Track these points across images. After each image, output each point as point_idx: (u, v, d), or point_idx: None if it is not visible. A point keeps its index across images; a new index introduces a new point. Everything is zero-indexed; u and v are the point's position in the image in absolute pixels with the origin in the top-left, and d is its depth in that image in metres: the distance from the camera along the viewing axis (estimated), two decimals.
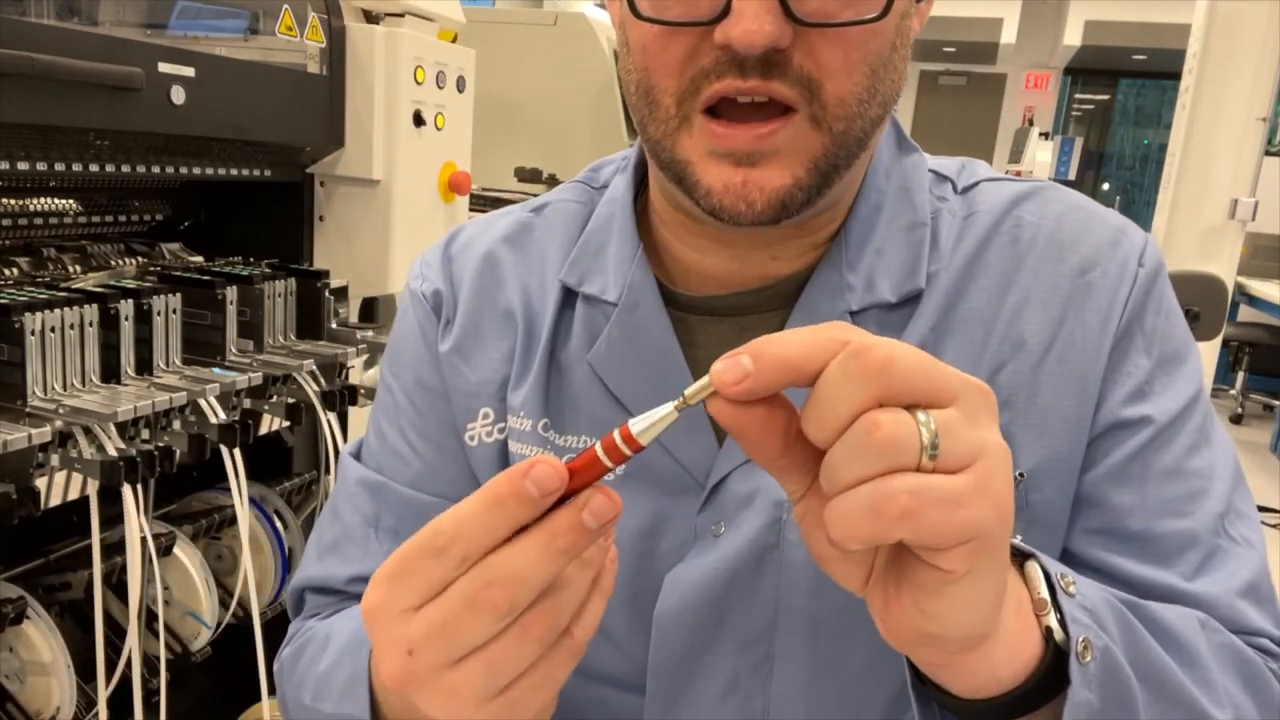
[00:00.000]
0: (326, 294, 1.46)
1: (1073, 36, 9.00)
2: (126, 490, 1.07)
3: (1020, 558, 0.49)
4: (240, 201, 1.64)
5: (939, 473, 0.36)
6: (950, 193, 0.66)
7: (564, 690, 0.62)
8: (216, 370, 1.26)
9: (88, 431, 1.08)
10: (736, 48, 0.51)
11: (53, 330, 1.08)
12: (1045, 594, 0.46)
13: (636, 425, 0.40)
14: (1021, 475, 0.59)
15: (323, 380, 1.41)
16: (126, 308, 1.17)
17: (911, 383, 0.36)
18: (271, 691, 1.34)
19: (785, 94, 0.53)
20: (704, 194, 0.55)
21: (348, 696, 0.56)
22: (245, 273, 1.38)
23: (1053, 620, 0.45)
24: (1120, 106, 11.19)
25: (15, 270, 1.30)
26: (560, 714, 0.63)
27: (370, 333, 1.50)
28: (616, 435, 0.40)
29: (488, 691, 0.40)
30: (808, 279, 0.62)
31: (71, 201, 1.40)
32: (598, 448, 0.40)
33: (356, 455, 0.73)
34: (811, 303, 0.62)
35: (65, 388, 1.11)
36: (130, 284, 1.26)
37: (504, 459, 0.67)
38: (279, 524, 1.51)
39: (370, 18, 1.63)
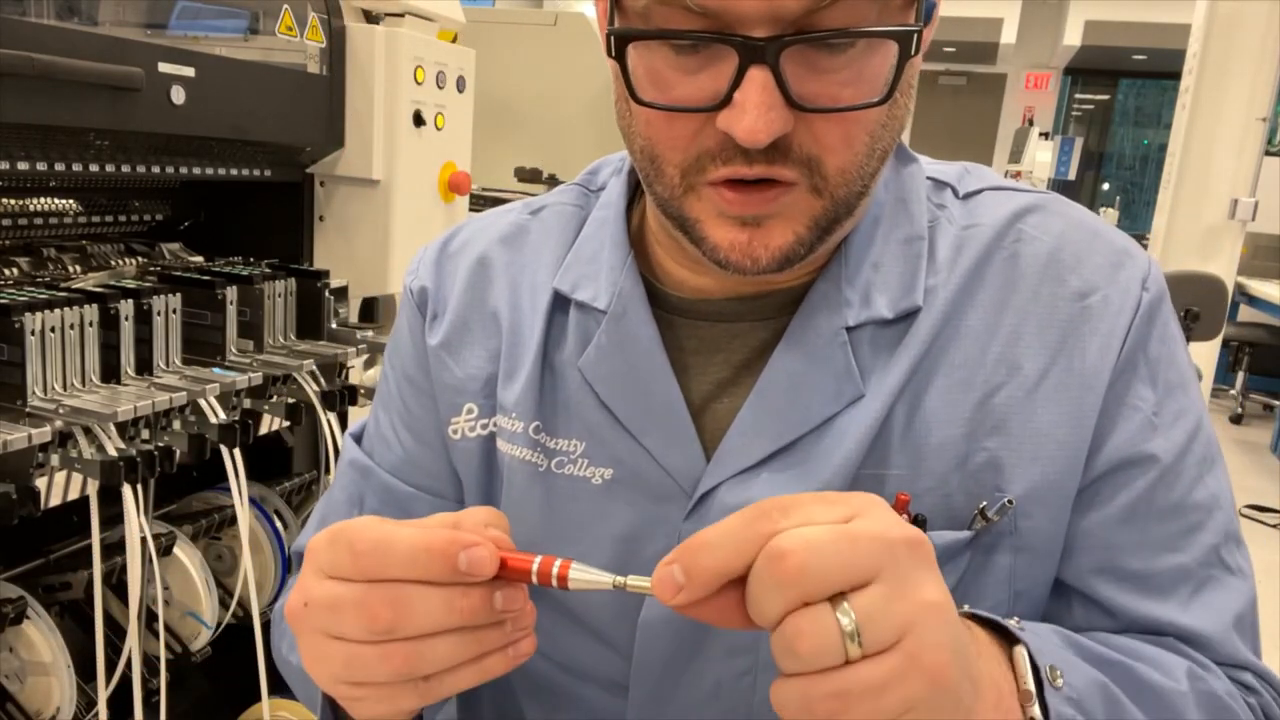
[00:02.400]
0: (326, 294, 1.46)
1: (1073, 36, 9.00)
2: (126, 490, 1.07)
3: (1009, 642, 0.50)
4: (240, 201, 1.64)
5: (866, 659, 0.38)
6: (950, 199, 0.65)
7: (550, 686, 0.67)
8: (216, 370, 1.26)
9: (88, 431, 1.08)
10: (741, 142, 0.51)
11: (53, 330, 1.08)
12: (1031, 686, 0.47)
13: (575, 572, 0.44)
14: (1010, 501, 0.59)
15: (323, 380, 1.41)
16: (126, 308, 1.17)
17: (830, 578, 0.39)
18: (271, 692, 1.34)
19: (787, 175, 0.54)
20: (711, 249, 0.57)
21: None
22: (245, 273, 1.38)
23: (1036, 712, 0.47)
24: (1120, 106, 11.19)
25: (15, 270, 1.30)
26: (545, 709, 0.68)
27: (370, 333, 1.50)
28: (556, 567, 0.44)
29: (339, 677, 0.46)
30: (803, 292, 0.62)
31: (71, 201, 1.40)
32: (535, 563, 0.44)
33: (357, 436, 0.77)
34: (808, 317, 0.61)
35: (65, 388, 1.11)
36: (130, 284, 1.26)
37: (488, 454, 0.68)
38: (279, 524, 1.51)
39: (370, 18, 1.63)
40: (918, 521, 0.58)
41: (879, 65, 0.52)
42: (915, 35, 0.52)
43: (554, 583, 0.44)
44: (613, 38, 0.53)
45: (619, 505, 0.63)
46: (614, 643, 0.63)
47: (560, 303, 0.67)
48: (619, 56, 0.54)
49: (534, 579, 0.44)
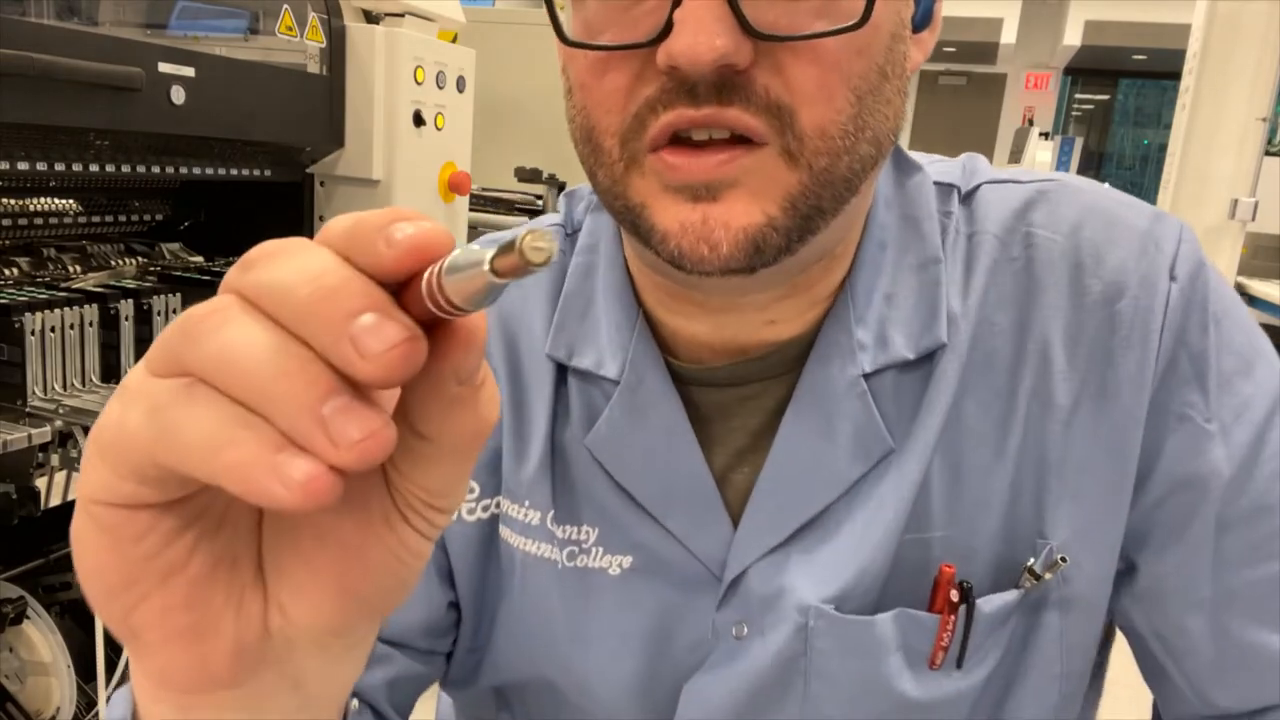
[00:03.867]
0: None
1: (1073, 36, 9.00)
2: None
3: None
4: (240, 201, 1.64)
5: None
6: (955, 203, 0.56)
7: None
8: None
9: (88, 431, 1.08)
10: (682, 65, 0.41)
11: (53, 330, 1.08)
12: None
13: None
14: (1064, 559, 0.52)
15: None
16: (126, 308, 1.17)
17: None
18: None
19: (749, 123, 0.42)
20: (660, 239, 0.45)
21: None
22: None
23: None
24: (1120, 106, 11.18)
25: (15, 270, 1.30)
26: None
27: None
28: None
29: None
30: (812, 342, 0.53)
31: (71, 201, 1.40)
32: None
33: None
34: (819, 369, 0.53)
35: (65, 388, 1.11)
36: (130, 284, 1.26)
37: (488, 540, 0.59)
38: None
39: (370, 18, 1.63)
40: (965, 590, 0.52)
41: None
42: None
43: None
44: None
45: (642, 596, 0.55)
46: None
47: (558, 371, 0.57)
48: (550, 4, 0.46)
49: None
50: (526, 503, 0.57)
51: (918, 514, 0.53)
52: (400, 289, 0.24)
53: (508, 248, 0.22)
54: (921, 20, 0.50)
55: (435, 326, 0.25)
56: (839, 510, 0.53)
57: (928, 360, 0.53)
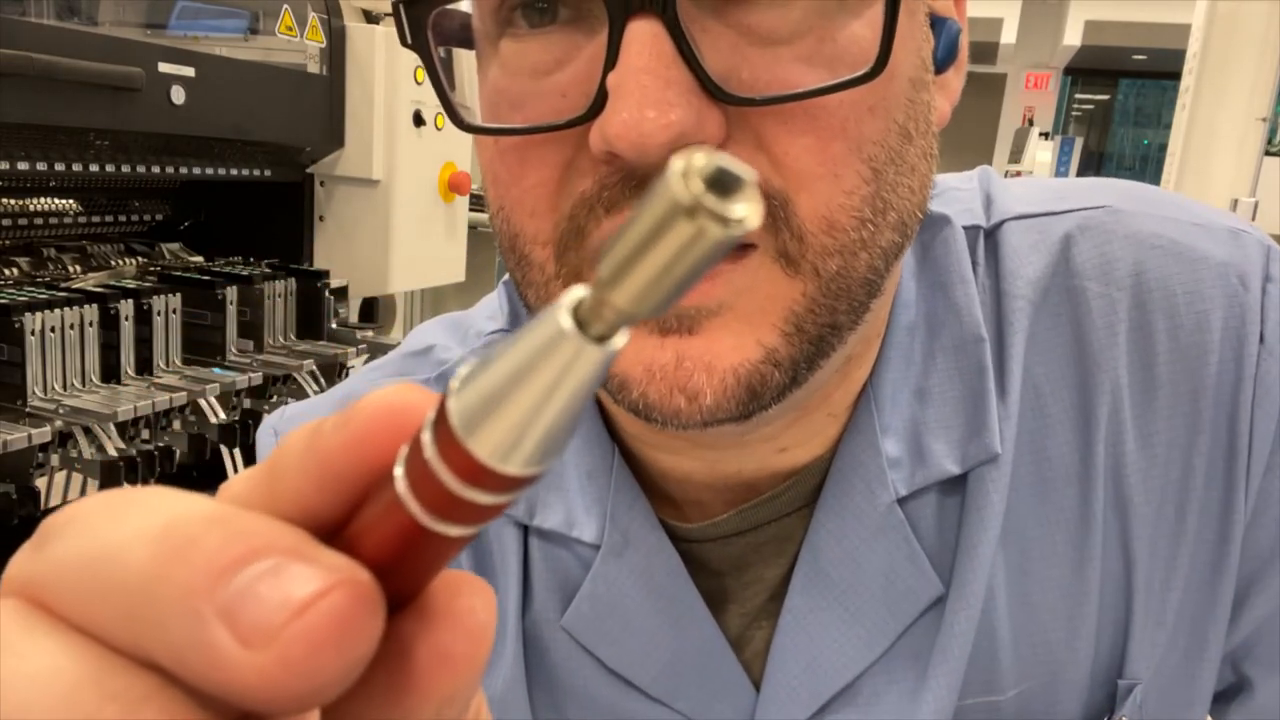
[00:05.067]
0: (326, 294, 1.46)
1: (1073, 36, 9.00)
2: None
3: None
4: (240, 201, 1.64)
5: None
6: (981, 251, 0.43)
7: None
8: (216, 370, 1.26)
9: (88, 431, 1.08)
10: (622, 151, 0.29)
11: (53, 330, 1.08)
12: None
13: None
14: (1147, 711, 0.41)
15: (323, 380, 1.41)
16: (126, 308, 1.17)
17: None
18: None
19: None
20: (619, 387, 0.33)
21: None
22: (245, 273, 1.39)
23: None
24: (1120, 106, 11.18)
25: (15, 270, 1.30)
26: None
27: (370, 333, 1.50)
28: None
29: None
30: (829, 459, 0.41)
31: (71, 201, 1.40)
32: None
33: None
34: (840, 501, 0.40)
35: (65, 388, 1.11)
36: (130, 284, 1.26)
37: None
38: None
39: (370, 18, 1.64)
40: None
41: (857, 31, 0.31)
42: None
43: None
44: (406, 20, 0.36)
45: None
46: None
47: (524, 533, 0.44)
48: (417, 38, 0.35)
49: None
50: (502, 692, 0.44)
51: (983, 674, 0.41)
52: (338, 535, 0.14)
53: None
54: (944, 57, 0.37)
55: (397, 602, 0.14)
56: (879, 675, 0.41)
57: (989, 469, 0.40)
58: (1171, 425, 0.40)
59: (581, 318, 0.12)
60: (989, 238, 0.43)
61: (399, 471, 0.13)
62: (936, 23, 0.36)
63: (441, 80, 0.34)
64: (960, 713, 0.41)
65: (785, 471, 0.41)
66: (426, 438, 0.13)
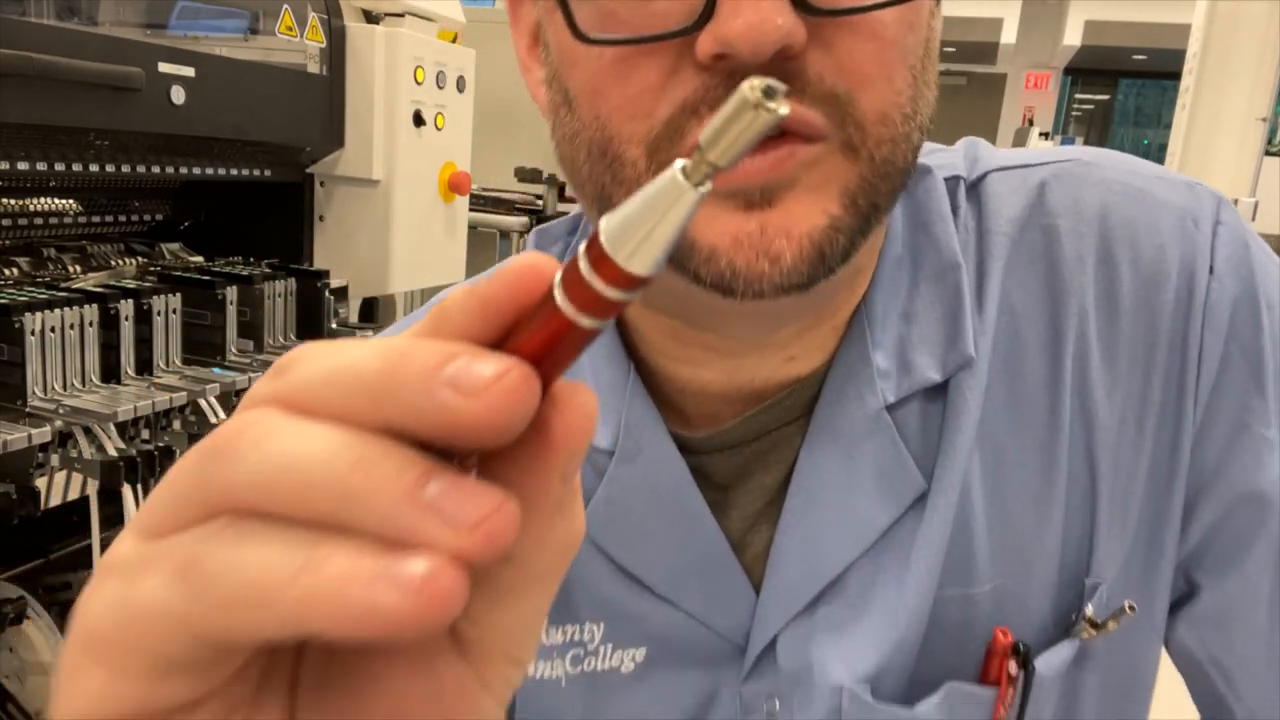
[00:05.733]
0: (326, 294, 1.46)
1: (1073, 36, 9.00)
2: (126, 490, 1.07)
3: None
4: (240, 201, 1.64)
5: None
6: (962, 198, 0.49)
7: None
8: (216, 370, 1.26)
9: (88, 431, 1.08)
10: (740, 51, 0.34)
11: (53, 330, 1.08)
12: None
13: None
14: (1132, 608, 0.46)
15: None
16: (126, 308, 1.17)
17: None
18: None
19: (808, 116, 0.36)
20: (706, 259, 0.38)
21: None
22: (245, 273, 1.38)
23: None
24: (1120, 106, 11.18)
25: (15, 270, 1.30)
26: None
27: (370, 333, 1.50)
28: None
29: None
30: (824, 373, 0.46)
31: (71, 201, 1.40)
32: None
33: None
34: (835, 406, 0.46)
35: (65, 388, 1.11)
36: (130, 284, 1.26)
37: None
38: None
39: (370, 18, 1.63)
40: (1024, 656, 0.45)
41: None
42: None
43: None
44: None
45: (663, 689, 0.49)
46: None
47: None
48: None
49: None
50: None
51: (960, 566, 0.46)
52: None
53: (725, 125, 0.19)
54: None
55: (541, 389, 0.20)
56: (866, 566, 0.46)
57: (965, 378, 0.46)
58: (1132, 346, 0.46)
59: (686, 172, 0.19)
60: (974, 187, 0.49)
61: (557, 281, 0.20)
62: None
63: (569, 6, 0.38)
64: (939, 604, 0.45)
65: (789, 381, 0.46)
66: (581, 253, 0.20)
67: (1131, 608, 0.46)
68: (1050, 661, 0.46)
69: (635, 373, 0.48)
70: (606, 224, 0.19)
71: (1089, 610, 0.46)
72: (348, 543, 0.18)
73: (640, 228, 0.19)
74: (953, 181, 0.49)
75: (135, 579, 0.19)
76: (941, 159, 0.50)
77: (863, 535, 0.46)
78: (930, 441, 0.46)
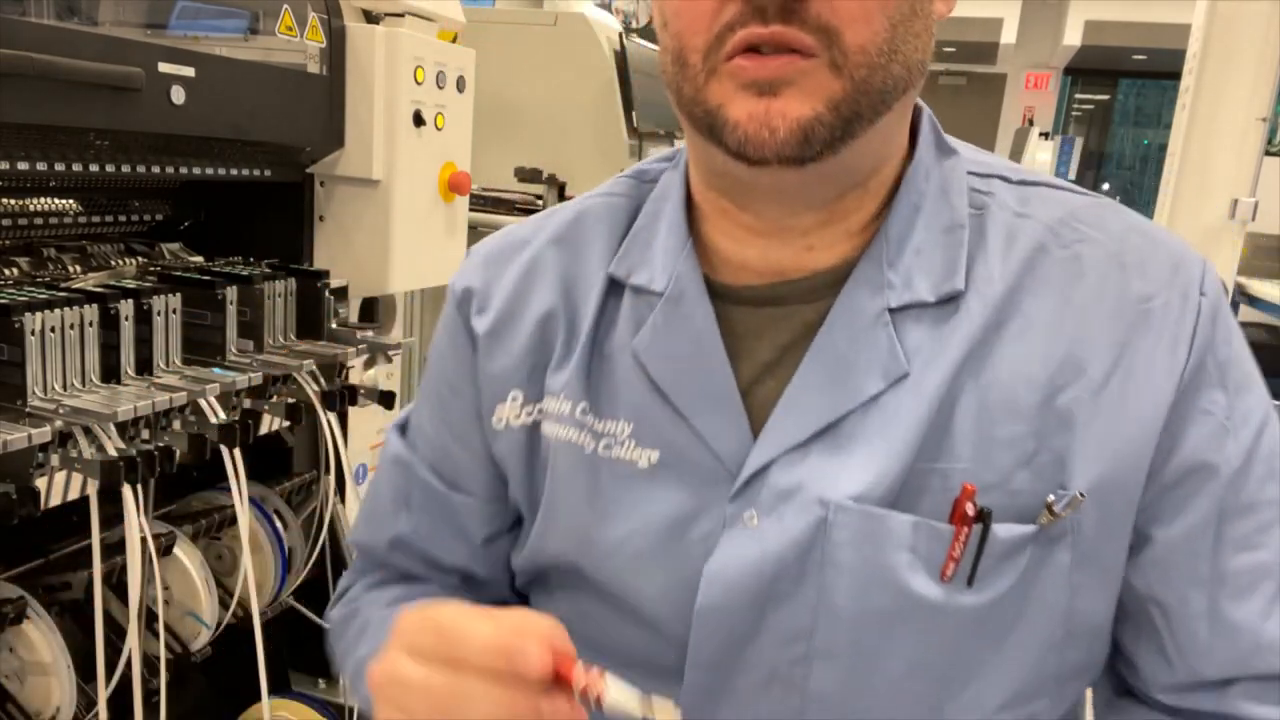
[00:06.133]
0: (326, 294, 1.46)
1: (1073, 36, 9.00)
2: (126, 490, 1.07)
3: None
4: (240, 201, 1.64)
5: None
6: (999, 185, 0.65)
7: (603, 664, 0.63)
8: (216, 370, 1.26)
9: (88, 431, 1.08)
10: None
11: (53, 330, 1.08)
12: None
13: (611, 691, 0.49)
14: (1081, 495, 0.58)
15: (323, 380, 1.41)
16: (126, 308, 1.17)
17: None
18: (271, 692, 1.34)
19: (804, 40, 0.54)
20: (731, 129, 0.56)
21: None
22: (245, 273, 1.38)
23: None
24: (1120, 106, 11.18)
25: (15, 270, 1.30)
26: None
27: (370, 333, 1.50)
28: (596, 685, 0.49)
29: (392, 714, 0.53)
30: (845, 273, 0.62)
31: (71, 201, 1.40)
32: (578, 672, 0.49)
33: (402, 426, 0.80)
34: (852, 297, 0.62)
35: (65, 388, 1.11)
36: (130, 284, 1.26)
37: (533, 444, 0.69)
38: (279, 524, 1.51)
39: (370, 18, 1.63)
40: (983, 515, 0.58)
41: None
42: None
43: (592, 697, 0.49)
44: None
45: (666, 488, 0.63)
46: (668, 632, 0.63)
47: (614, 289, 0.68)
48: None
49: (576, 689, 0.49)
50: (561, 395, 0.67)
51: (941, 444, 0.59)
52: None
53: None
54: None
55: None
56: (854, 422, 0.60)
57: (947, 305, 0.61)
58: (1129, 330, 0.60)
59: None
60: (1024, 185, 0.66)
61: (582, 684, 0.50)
62: None
63: None
64: (921, 474, 0.59)
65: (810, 269, 0.63)
66: (587, 693, 0.50)
67: (1082, 495, 0.58)
68: (1009, 529, 0.58)
69: (692, 243, 0.66)
70: (611, 689, 0.48)
71: (1050, 498, 0.58)
72: None
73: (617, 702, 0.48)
74: (986, 175, 0.66)
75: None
76: (981, 158, 0.68)
77: (854, 397, 0.60)
78: (922, 344, 0.60)
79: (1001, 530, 0.58)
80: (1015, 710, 0.62)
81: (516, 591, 0.78)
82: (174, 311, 1.25)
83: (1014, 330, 0.60)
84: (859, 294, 0.62)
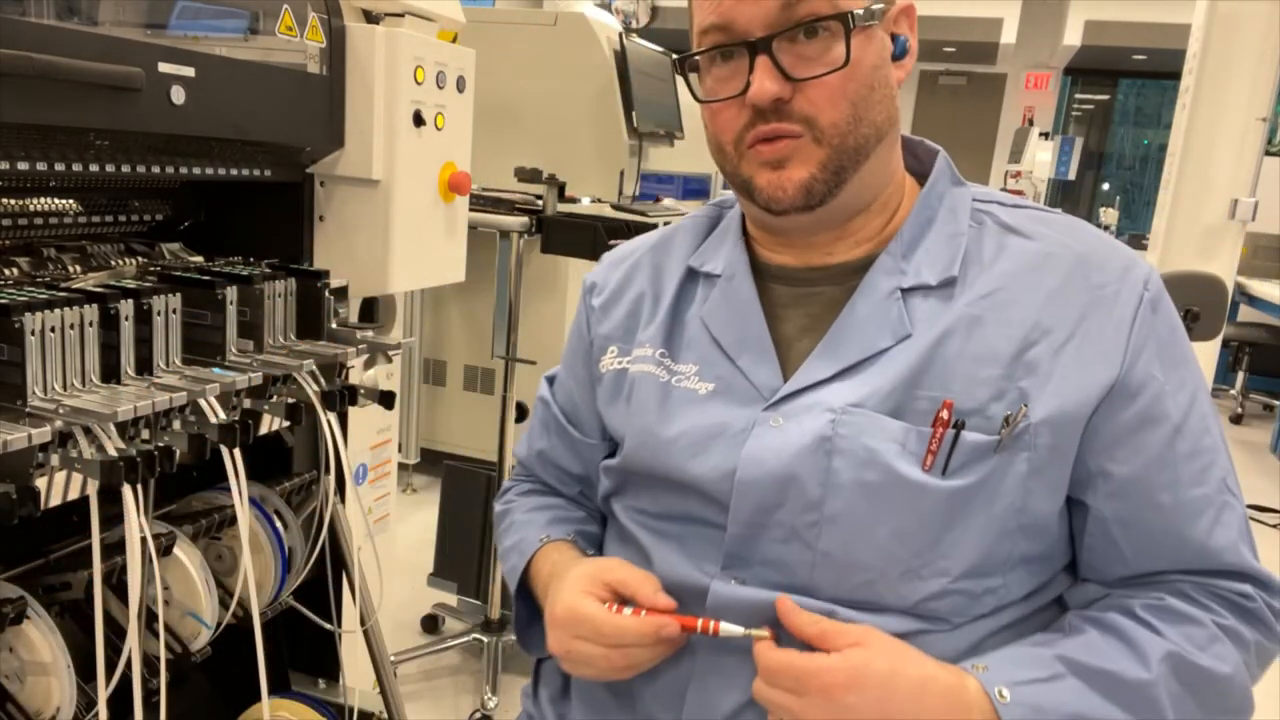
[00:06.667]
0: (326, 294, 1.46)
1: (1073, 36, 8.99)
2: (126, 490, 1.07)
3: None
4: (240, 201, 1.64)
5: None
6: (996, 208, 0.90)
7: (664, 530, 0.93)
8: (216, 370, 1.26)
9: (88, 431, 1.08)
10: (759, 102, 0.82)
11: (53, 330, 1.08)
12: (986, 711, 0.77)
13: (723, 626, 0.83)
14: (1025, 407, 0.81)
15: (323, 380, 1.41)
16: (126, 308, 1.17)
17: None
18: (271, 691, 1.34)
19: (793, 128, 0.83)
20: (759, 192, 0.86)
21: (511, 576, 1.05)
22: (245, 273, 1.38)
23: None
24: (1120, 106, 11.18)
25: (15, 270, 1.30)
26: (664, 544, 0.93)
27: (370, 333, 1.50)
28: (712, 625, 0.83)
29: (585, 673, 0.91)
30: (863, 266, 0.89)
31: (71, 201, 1.40)
32: (698, 623, 0.84)
33: (550, 378, 1.14)
34: (873, 280, 0.88)
35: (65, 388, 1.11)
36: (130, 284, 1.26)
37: (621, 382, 0.99)
38: (279, 524, 1.51)
39: (370, 18, 1.63)
40: (958, 425, 0.81)
41: (839, 47, 0.81)
42: (848, 15, 0.80)
43: (710, 632, 0.83)
44: (677, 61, 0.89)
45: (716, 406, 0.90)
46: (715, 501, 0.87)
47: (690, 276, 0.99)
48: (683, 72, 0.88)
49: (699, 628, 0.83)
50: (647, 344, 0.97)
51: (934, 379, 0.82)
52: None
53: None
54: (900, 53, 0.87)
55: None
56: (865, 365, 0.85)
57: (946, 288, 0.86)
58: (1085, 308, 0.83)
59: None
60: (1014, 210, 0.91)
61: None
62: (895, 37, 0.87)
63: (692, 86, 0.88)
64: (917, 399, 0.82)
65: (831, 266, 0.91)
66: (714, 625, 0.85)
67: (1025, 412, 0.80)
68: (978, 438, 0.81)
69: (743, 243, 0.97)
70: (724, 627, 0.84)
71: (1007, 413, 0.81)
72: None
73: (727, 632, 0.84)
74: (988, 202, 0.92)
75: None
76: (986, 190, 0.93)
77: (868, 349, 0.85)
78: (924, 314, 0.85)
79: (970, 436, 0.81)
80: (973, 581, 0.82)
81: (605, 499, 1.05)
82: (174, 311, 1.25)
83: (998, 302, 0.84)
84: (878, 278, 0.87)
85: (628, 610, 0.86)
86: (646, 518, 0.94)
